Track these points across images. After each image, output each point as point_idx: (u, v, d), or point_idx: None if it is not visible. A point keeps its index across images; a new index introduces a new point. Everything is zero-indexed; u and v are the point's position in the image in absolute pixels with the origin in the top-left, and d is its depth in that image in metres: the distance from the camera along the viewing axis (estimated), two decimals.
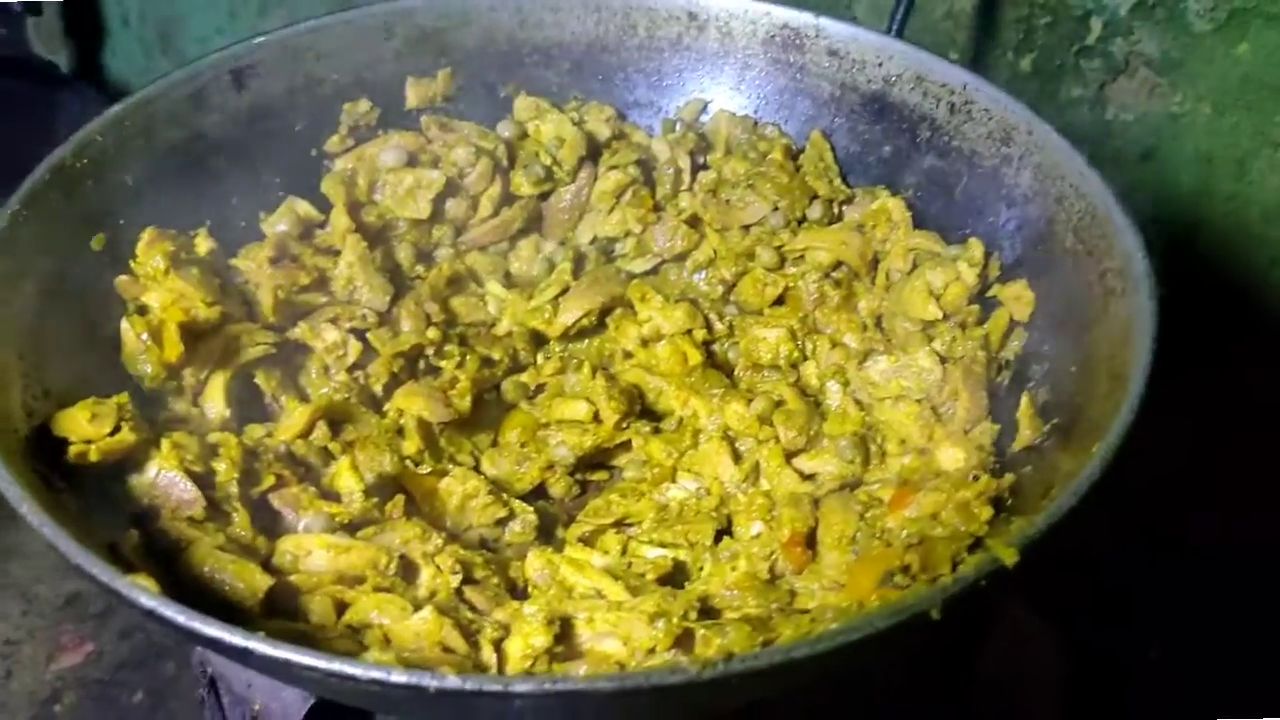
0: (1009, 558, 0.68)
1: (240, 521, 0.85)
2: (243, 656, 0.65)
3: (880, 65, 1.11)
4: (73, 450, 0.81)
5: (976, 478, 0.87)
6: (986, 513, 0.82)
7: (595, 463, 1.04)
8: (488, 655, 0.77)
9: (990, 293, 1.02)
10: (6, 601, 1.56)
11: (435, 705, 0.67)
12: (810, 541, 0.90)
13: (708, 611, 0.84)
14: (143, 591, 0.66)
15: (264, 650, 0.64)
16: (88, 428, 0.82)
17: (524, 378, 1.09)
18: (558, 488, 1.03)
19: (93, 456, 0.81)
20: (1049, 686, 1.32)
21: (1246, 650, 1.34)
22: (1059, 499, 0.71)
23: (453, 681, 0.62)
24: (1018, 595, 1.30)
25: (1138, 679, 1.35)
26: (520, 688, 0.62)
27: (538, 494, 1.02)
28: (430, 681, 0.62)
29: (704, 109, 1.20)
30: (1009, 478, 0.86)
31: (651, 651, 0.79)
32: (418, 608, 0.80)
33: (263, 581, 0.78)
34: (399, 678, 0.62)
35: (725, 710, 0.75)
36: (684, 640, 0.79)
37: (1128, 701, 1.33)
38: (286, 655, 0.63)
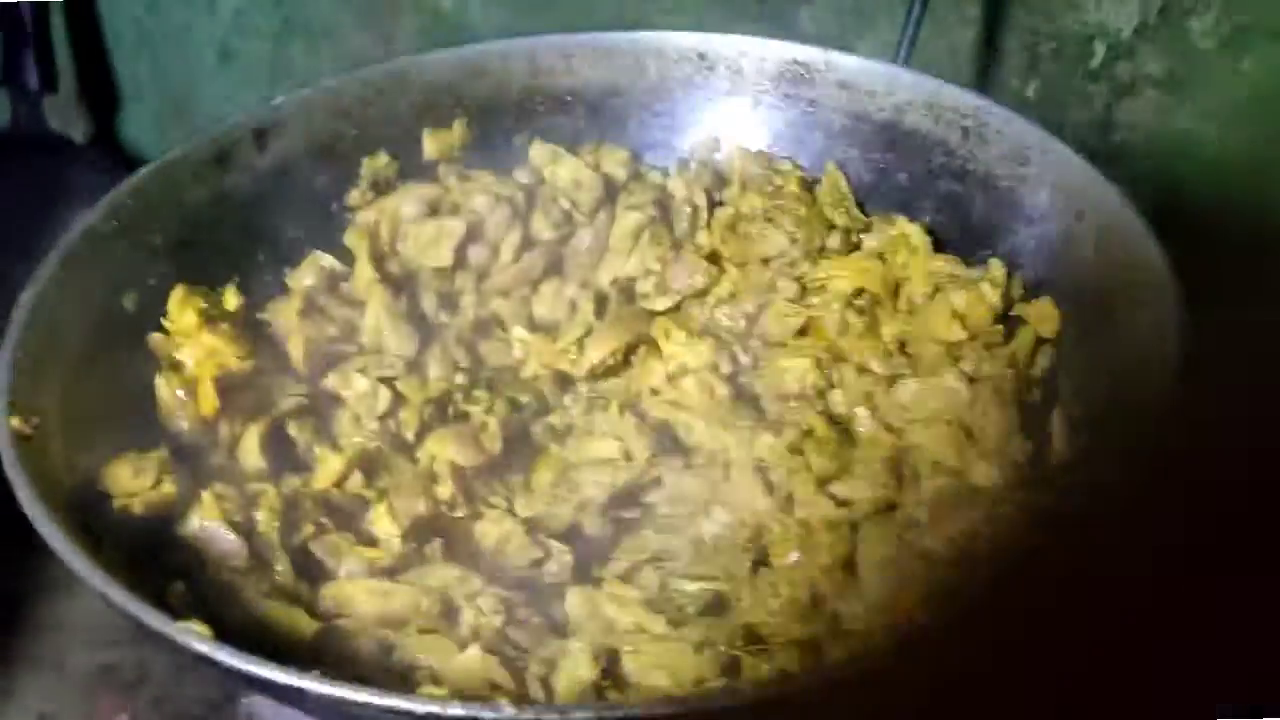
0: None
1: (282, 570, 0.85)
2: (297, 698, 0.65)
3: (891, 94, 1.12)
4: (117, 504, 0.82)
5: (1014, 494, 0.87)
6: (1025, 528, 0.82)
7: (628, 500, 1.04)
8: (536, 690, 0.77)
9: (1015, 311, 1.03)
10: (40, 674, 1.56)
11: None
12: (851, 567, 0.90)
13: (753, 640, 0.83)
14: (195, 636, 0.67)
15: (318, 689, 0.64)
16: (131, 482, 0.83)
17: (553, 419, 1.09)
18: (592, 527, 1.02)
19: (136, 509, 0.82)
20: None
21: None
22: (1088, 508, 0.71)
23: (509, 712, 0.62)
24: None
25: None
26: (579, 715, 0.62)
27: (573, 534, 1.02)
28: (487, 713, 0.62)
29: (718, 146, 1.21)
30: (1045, 493, 0.86)
31: (699, 682, 0.78)
32: (462, 647, 0.80)
33: (310, 625, 0.78)
34: (456, 710, 0.62)
35: None
36: (730, 670, 0.79)
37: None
38: (342, 693, 0.63)
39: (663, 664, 0.80)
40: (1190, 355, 0.81)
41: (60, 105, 1.95)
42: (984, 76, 1.41)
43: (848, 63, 1.14)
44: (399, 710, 0.63)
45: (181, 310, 0.97)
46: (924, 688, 0.66)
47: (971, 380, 0.98)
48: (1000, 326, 1.02)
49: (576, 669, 0.78)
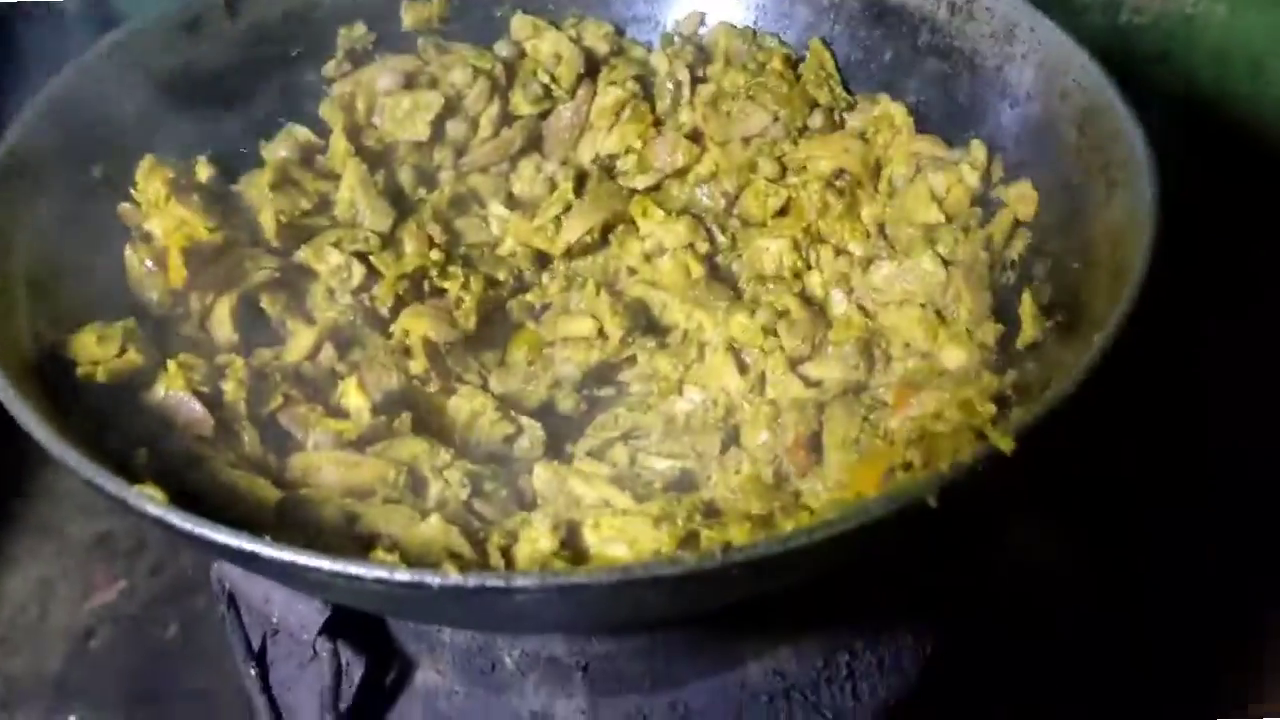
0: (1006, 445, 0.68)
1: (250, 440, 0.86)
2: (251, 561, 0.66)
3: None
4: (80, 371, 0.82)
5: (979, 376, 0.87)
6: (989, 408, 0.82)
7: (602, 378, 1.04)
8: (495, 560, 0.78)
9: (994, 193, 1.01)
10: (39, 541, 1.60)
11: (441, 604, 0.69)
12: (815, 445, 0.91)
13: (713, 515, 0.84)
14: (150, 500, 0.68)
15: (270, 554, 0.65)
16: (95, 350, 0.83)
17: (529, 297, 1.09)
18: (565, 404, 1.03)
19: (100, 377, 0.82)
20: (1065, 596, 1.33)
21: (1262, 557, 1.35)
22: (1056, 388, 0.70)
23: (455, 578, 0.63)
24: (1034, 507, 1.31)
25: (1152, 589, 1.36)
26: (522, 582, 0.63)
27: (546, 411, 1.03)
28: (433, 579, 0.63)
29: (702, 21, 1.18)
30: (1011, 374, 0.86)
31: (657, 554, 0.79)
32: (426, 517, 0.81)
33: (273, 494, 0.79)
34: (402, 576, 0.63)
35: (729, 603, 0.76)
36: (690, 543, 0.80)
37: (1144, 612, 1.34)
38: (293, 558, 0.64)
39: (622, 536, 0.80)
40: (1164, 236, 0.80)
41: None
42: None
43: None
44: (349, 575, 0.64)
45: (149, 180, 0.96)
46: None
47: (947, 263, 0.97)
48: (978, 209, 1.00)
49: (536, 540, 0.79)
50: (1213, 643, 1.28)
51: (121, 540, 1.61)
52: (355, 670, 0.91)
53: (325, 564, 0.64)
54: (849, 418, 0.89)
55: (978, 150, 1.01)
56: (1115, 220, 0.85)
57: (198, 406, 0.84)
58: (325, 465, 0.86)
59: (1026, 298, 0.91)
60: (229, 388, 0.88)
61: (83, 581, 1.56)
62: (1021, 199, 0.97)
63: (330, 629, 0.86)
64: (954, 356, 0.92)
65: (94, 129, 0.98)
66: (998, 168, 1.01)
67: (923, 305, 0.98)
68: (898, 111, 1.07)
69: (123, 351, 0.84)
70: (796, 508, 0.83)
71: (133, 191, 0.97)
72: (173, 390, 0.84)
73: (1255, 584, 1.31)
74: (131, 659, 1.45)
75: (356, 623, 0.88)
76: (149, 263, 0.92)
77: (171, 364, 0.85)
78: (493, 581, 0.63)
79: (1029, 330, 0.90)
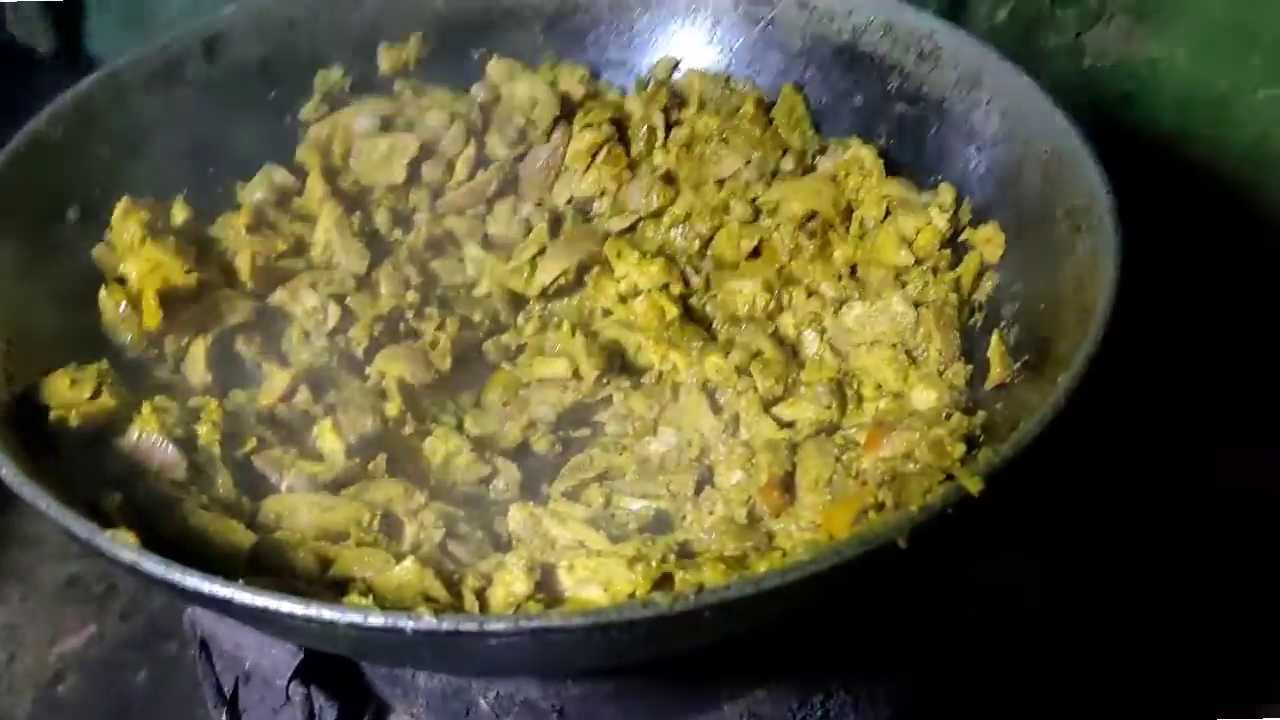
0: (974, 486, 0.69)
1: (223, 483, 0.86)
2: (224, 607, 0.66)
3: (849, 15, 1.11)
4: (54, 415, 0.82)
5: (949, 416, 0.88)
6: (959, 449, 0.83)
7: (577, 419, 1.05)
8: (470, 603, 0.78)
9: (962, 237, 1.03)
10: (7, 586, 1.58)
11: (415, 648, 0.69)
12: (788, 486, 0.91)
13: (688, 555, 0.85)
14: (124, 546, 0.67)
15: (244, 599, 0.65)
16: (68, 394, 0.83)
17: (505, 338, 1.10)
18: (541, 445, 1.03)
19: (73, 421, 0.82)
20: (1037, 630, 1.33)
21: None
22: (1022, 430, 0.72)
23: (428, 622, 0.63)
24: (1007, 541, 1.32)
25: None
26: (495, 626, 0.63)
27: (521, 452, 1.03)
28: (407, 623, 0.63)
29: (676, 66, 1.20)
30: (980, 415, 0.87)
31: (632, 596, 0.80)
32: (400, 561, 0.81)
33: (246, 538, 0.79)
34: (376, 620, 0.63)
35: (703, 645, 0.76)
36: (664, 584, 0.80)
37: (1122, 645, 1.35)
38: (265, 603, 0.64)
39: (596, 578, 0.81)
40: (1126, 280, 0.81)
41: (24, 16, 1.92)
42: (957, 1, 1.40)
43: None
44: (322, 620, 0.64)
45: (125, 222, 0.96)
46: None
47: (917, 304, 0.99)
48: (947, 251, 1.02)
49: (511, 583, 0.79)
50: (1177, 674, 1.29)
51: (91, 584, 1.59)
52: (328, 715, 0.90)
53: (299, 609, 0.64)
54: (822, 458, 0.90)
55: (946, 194, 1.03)
56: (1080, 263, 0.86)
57: (171, 450, 0.84)
58: (299, 508, 0.86)
59: (995, 339, 0.93)
60: (203, 430, 0.87)
61: (51, 626, 1.54)
62: (989, 242, 0.99)
63: (303, 673, 0.86)
64: (924, 397, 0.93)
65: (70, 172, 0.98)
66: (966, 211, 1.03)
67: (894, 346, 0.99)
68: (868, 155, 1.09)
69: (96, 395, 0.84)
70: (770, 548, 0.84)
71: (108, 234, 0.97)
72: (146, 433, 0.84)
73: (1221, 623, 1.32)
74: (101, 705, 1.43)
75: (330, 667, 0.87)
76: (124, 305, 0.92)
77: (146, 407, 0.85)
78: (466, 625, 0.63)
79: (997, 371, 0.91)
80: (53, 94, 1.04)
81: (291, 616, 0.64)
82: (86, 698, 1.44)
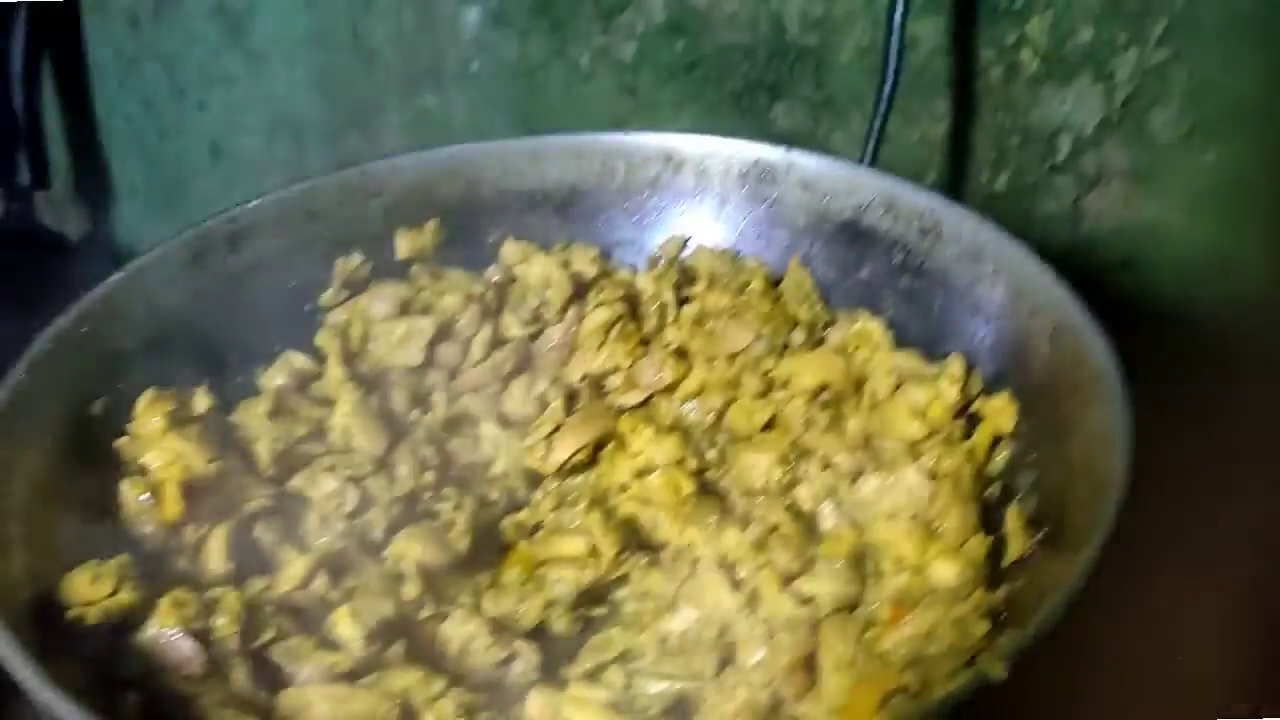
0: (998, 671, 0.68)
1: (239, 677, 0.85)
2: None
3: (851, 194, 1.15)
4: (72, 613, 0.82)
5: (971, 593, 0.88)
6: (982, 627, 0.82)
7: (596, 598, 1.04)
8: None
9: (974, 408, 1.04)
10: None
11: None
12: (810, 667, 0.90)
13: None
14: None
15: None
16: (88, 590, 0.83)
17: (522, 516, 1.10)
18: (559, 625, 1.02)
19: (90, 619, 0.82)
20: None
21: None
22: (1046, 609, 0.71)
23: None
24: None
25: None
26: None
27: (539, 633, 1.02)
28: None
29: (685, 244, 1.24)
30: (1003, 590, 0.86)
31: None
32: None
33: None
34: None
35: None
36: None
37: None
38: None
39: None
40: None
41: (54, 202, 1.99)
42: (956, 169, 1.44)
43: (809, 163, 1.16)
44: None
45: (149, 413, 0.98)
46: None
47: (932, 476, 0.99)
48: (960, 422, 1.02)
49: None
50: None
51: None
52: None
53: None
54: (844, 638, 0.89)
55: (955, 364, 1.04)
56: (1091, 433, 0.87)
57: (188, 645, 0.83)
58: (316, 701, 0.85)
59: (1012, 512, 0.92)
60: (221, 623, 0.87)
61: None
62: (1001, 412, 1.00)
63: None
64: (945, 572, 0.92)
65: (97, 366, 1.01)
66: (975, 381, 1.04)
67: (912, 518, 0.99)
68: (875, 328, 1.11)
69: (115, 591, 0.84)
70: None
71: (130, 426, 0.99)
72: (165, 629, 0.84)
73: None
74: None
75: None
76: (144, 496, 0.93)
77: (164, 601, 0.85)
78: None
79: (1016, 544, 0.91)
80: (80, 281, 1.07)
81: None
82: None
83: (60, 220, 2.03)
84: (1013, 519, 0.92)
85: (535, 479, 1.12)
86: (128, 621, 0.84)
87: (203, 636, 0.85)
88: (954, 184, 1.44)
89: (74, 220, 2.07)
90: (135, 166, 1.99)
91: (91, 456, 0.97)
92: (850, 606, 0.95)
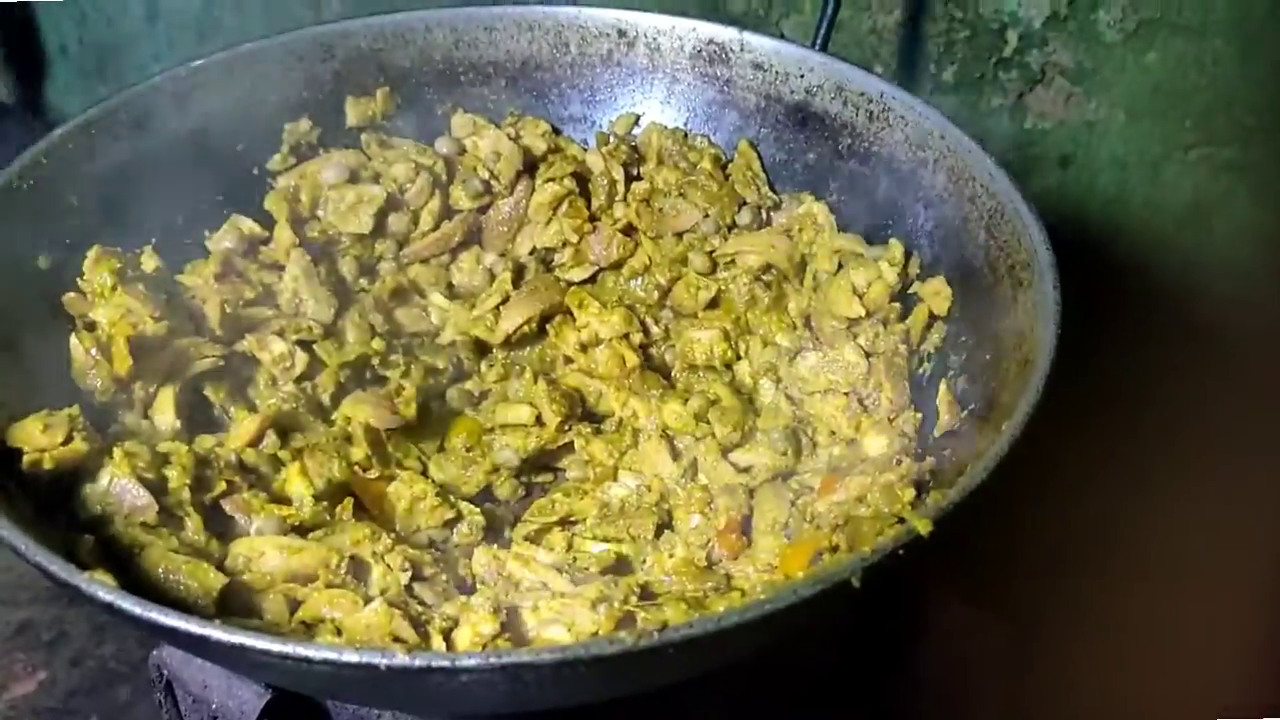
0: (924, 528, 0.72)
1: (193, 526, 0.87)
2: (200, 646, 0.68)
3: (802, 77, 1.16)
4: (27, 459, 0.83)
5: (899, 462, 0.92)
6: (908, 493, 0.86)
7: (540, 465, 1.08)
8: (437, 644, 0.80)
9: (911, 290, 1.07)
10: None
11: (387, 685, 0.70)
12: (745, 529, 0.95)
13: (649, 597, 0.87)
14: (101, 586, 0.69)
15: (220, 637, 0.66)
16: (41, 438, 0.84)
17: (468, 385, 1.12)
18: (504, 490, 1.06)
19: (46, 465, 0.83)
20: (995, 679, 1.36)
21: None
22: (969, 475, 0.75)
23: (402, 659, 0.65)
24: (957, 587, 1.35)
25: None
26: (467, 663, 0.65)
27: (484, 497, 1.05)
28: (380, 660, 0.65)
29: (636, 122, 1.24)
30: (929, 461, 0.91)
31: (595, 635, 0.82)
32: (368, 603, 0.83)
33: (217, 580, 0.81)
34: (350, 657, 0.65)
35: (667, 684, 0.78)
36: (627, 625, 0.83)
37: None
38: (242, 640, 0.66)
39: (561, 619, 0.83)
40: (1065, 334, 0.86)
41: None
42: (905, 60, 1.45)
43: (762, 44, 1.17)
44: (298, 657, 0.66)
45: (96, 270, 0.98)
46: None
47: (868, 355, 1.03)
48: (897, 304, 1.06)
49: (478, 623, 0.81)
50: None
51: (41, 631, 1.57)
52: None
53: (275, 645, 0.66)
54: (778, 503, 0.93)
55: (895, 249, 1.07)
56: (1022, 317, 0.91)
57: (142, 493, 0.85)
58: (268, 551, 0.87)
59: (943, 388, 0.97)
60: (173, 475, 0.89)
61: (1, 673, 1.52)
62: (937, 295, 1.03)
63: (270, 713, 0.87)
64: (876, 444, 0.97)
65: (40, 222, 1.00)
66: (914, 265, 1.07)
67: (846, 394, 1.03)
68: (820, 211, 1.14)
69: (68, 439, 0.85)
70: (728, 589, 0.87)
71: (79, 281, 0.99)
72: (119, 477, 0.85)
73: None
74: None
75: (297, 707, 0.88)
76: (93, 351, 0.94)
77: (117, 451, 0.87)
78: (439, 662, 0.65)
79: (945, 419, 0.95)
80: (14, 142, 1.05)
81: (267, 653, 0.66)
82: None
83: None
84: (943, 394, 0.96)
85: (482, 349, 1.14)
86: (82, 470, 0.86)
87: (155, 487, 0.87)
88: (901, 75, 1.45)
89: (4, 85, 2.01)
90: (68, 30, 1.93)
91: (38, 310, 0.96)
92: (785, 476, 1.00)
